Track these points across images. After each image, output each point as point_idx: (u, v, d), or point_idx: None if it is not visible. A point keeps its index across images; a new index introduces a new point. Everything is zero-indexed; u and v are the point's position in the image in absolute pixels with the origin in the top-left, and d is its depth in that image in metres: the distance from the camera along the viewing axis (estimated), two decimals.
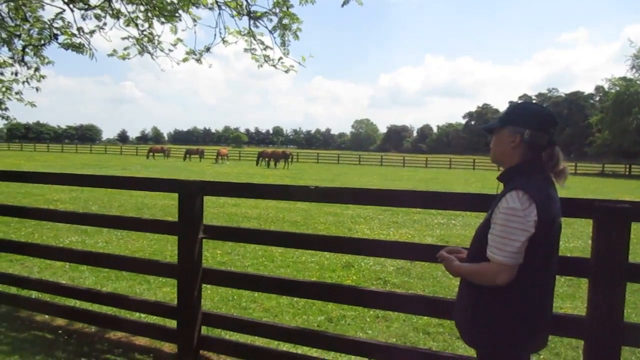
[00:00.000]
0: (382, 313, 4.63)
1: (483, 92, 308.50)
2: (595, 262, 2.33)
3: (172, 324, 3.60)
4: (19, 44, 4.70)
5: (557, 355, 3.86)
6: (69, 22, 4.20)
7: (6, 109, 6.27)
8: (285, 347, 3.64)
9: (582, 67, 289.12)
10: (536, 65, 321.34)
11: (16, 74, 5.45)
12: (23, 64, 5.07)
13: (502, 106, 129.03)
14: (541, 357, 3.79)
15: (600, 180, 32.83)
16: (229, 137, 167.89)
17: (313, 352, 3.45)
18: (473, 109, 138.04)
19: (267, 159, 38.29)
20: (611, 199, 2.41)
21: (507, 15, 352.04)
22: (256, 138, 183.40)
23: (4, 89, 6.12)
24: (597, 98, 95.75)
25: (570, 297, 5.40)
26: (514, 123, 1.94)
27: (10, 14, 4.30)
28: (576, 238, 8.92)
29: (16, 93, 6.14)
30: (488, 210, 2.02)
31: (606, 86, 60.18)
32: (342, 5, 4.24)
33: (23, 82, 5.50)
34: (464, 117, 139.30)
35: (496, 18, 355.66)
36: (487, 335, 1.90)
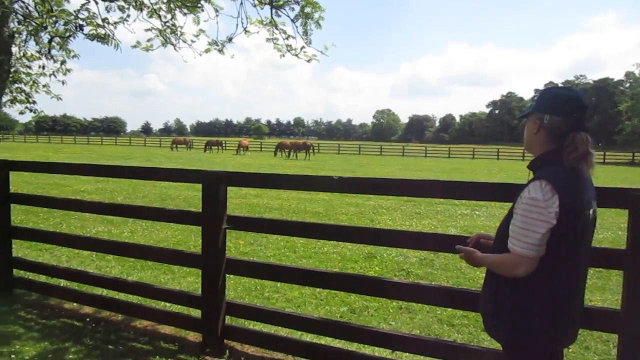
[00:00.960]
0: (406, 304, 4.59)
1: (507, 80, 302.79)
2: (631, 253, 2.24)
3: (196, 313, 3.63)
4: (45, 36, 4.77)
5: (587, 349, 3.78)
6: (94, 13, 4.24)
7: (34, 102, 6.40)
8: (308, 337, 3.64)
9: (611, 51, 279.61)
10: (563, 50, 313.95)
11: (43, 67, 5.55)
12: (50, 57, 5.15)
13: (527, 94, 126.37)
14: (570, 350, 3.71)
15: (630, 170, 31.90)
16: (250, 129, 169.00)
17: (336, 342, 3.44)
18: (497, 97, 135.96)
19: (287, 150, 38.30)
20: None
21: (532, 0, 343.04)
22: (277, 129, 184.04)
23: (31, 83, 6.24)
24: (627, 85, 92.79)
25: (600, 289, 5.27)
26: (538, 109, 1.89)
27: (37, 7, 4.36)
28: (605, 229, 8.69)
29: (43, 86, 6.26)
30: (513, 200, 1.96)
31: (637, 72, 58.38)
32: None
33: (50, 76, 5.59)
34: (487, 105, 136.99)
35: (520, 3, 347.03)
36: (509, 327, 1.86)
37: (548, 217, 1.70)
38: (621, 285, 2.40)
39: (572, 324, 1.88)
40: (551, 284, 1.79)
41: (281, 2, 4.28)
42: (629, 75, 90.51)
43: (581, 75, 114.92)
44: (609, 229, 8.74)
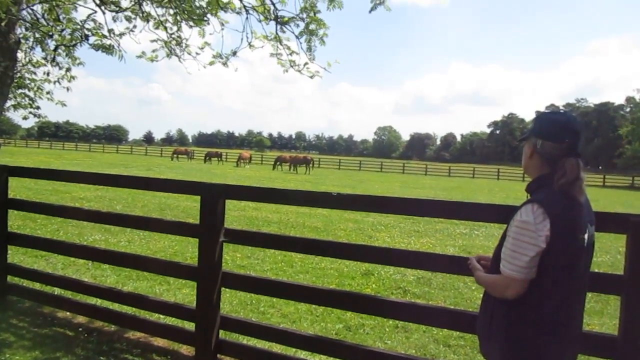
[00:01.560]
0: (402, 323, 4.55)
1: (509, 100, 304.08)
2: (629, 278, 2.23)
3: (190, 326, 3.60)
4: (51, 44, 4.81)
5: None
6: (100, 24, 4.28)
7: (38, 107, 6.43)
8: (302, 354, 3.60)
9: (613, 76, 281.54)
10: (565, 73, 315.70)
11: (48, 74, 5.59)
12: (55, 64, 5.19)
13: (528, 116, 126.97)
14: None
15: (630, 194, 31.89)
16: (252, 141, 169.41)
17: None
18: (498, 117, 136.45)
19: (287, 164, 38.45)
20: None
21: (535, 22, 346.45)
22: (279, 142, 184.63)
23: (35, 88, 6.27)
24: (628, 109, 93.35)
25: (598, 313, 5.23)
26: (533, 133, 1.91)
27: (44, 14, 4.41)
28: (604, 252, 8.66)
29: (47, 92, 6.30)
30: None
31: (637, 97, 58.71)
32: (370, 12, 4.22)
33: (54, 82, 5.63)
34: (489, 125, 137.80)
35: (524, 25, 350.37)
36: (502, 352, 1.85)
37: (538, 240, 1.71)
38: (619, 310, 2.38)
39: (569, 349, 1.85)
40: (544, 307, 1.78)
41: (286, 19, 4.32)
42: (629, 99, 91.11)
43: (582, 99, 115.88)
44: (608, 252, 8.71)
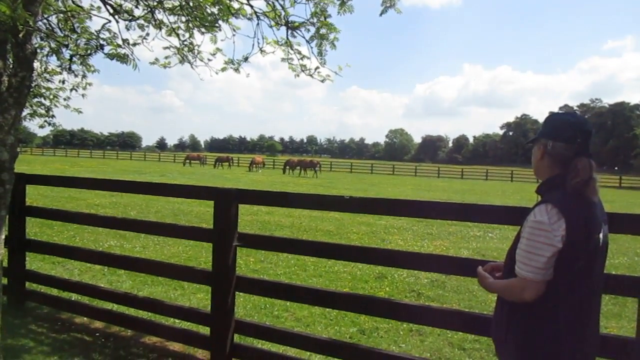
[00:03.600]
0: (416, 327, 4.52)
1: (523, 102, 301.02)
2: None
3: (205, 330, 3.63)
4: (67, 53, 4.89)
5: None
6: (114, 34, 4.35)
7: (53, 116, 6.52)
8: (317, 358, 3.60)
9: (628, 75, 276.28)
10: (579, 74, 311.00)
11: (63, 82, 5.68)
12: (70, 71, 5.28)
13: (541, 117, 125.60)
14: None
15: None
16: (264, 146, 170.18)
17: None
18: (511, 119, 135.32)
19: (297, 168, 38.73)
20: None
21: (549, 23, 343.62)
22: (290, 147, 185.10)
23: (51, 97, 6.37)
24: None
25: (616, 316, 5.15)
26: (543, 135, 1.90)
27: (60, 24, 4.48)
28: (621, 254, 8.52)
29: (64, 99, 6.39)
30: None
31: None
32: (380, 15, 4.22)
33: (70, 90, 5.72)
34: (501, 127, 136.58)
35: (537, 26, 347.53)
36: (518, 354, 1.82)
37: (553, 240, 1.68)
38: (636, 312, 2.34)
39: (587, 352, 1.82)
40: (560, 310, 1.75)
41: (297, 24, 4.34)
42: None
43: (597, 99, 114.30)
44: (625, 254, 8.58)
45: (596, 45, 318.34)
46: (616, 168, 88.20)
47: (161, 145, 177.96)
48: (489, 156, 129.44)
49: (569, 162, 1.80)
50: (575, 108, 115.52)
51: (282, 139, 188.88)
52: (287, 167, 39.37)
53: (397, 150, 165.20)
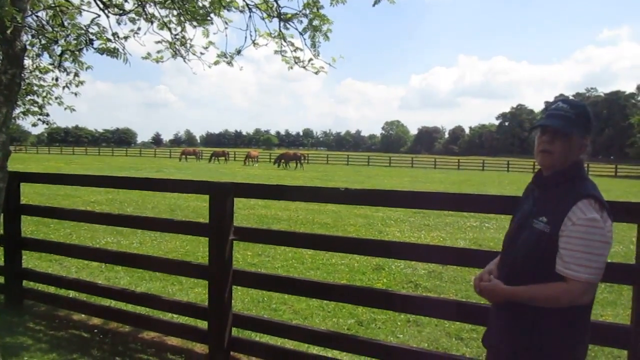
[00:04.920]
0: (414, 317, 4.54)
1: (518, 92, 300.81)
2: None
3: (203, 324, 3.63)
4: (57, 49, 4.85)
5: None
6: (104, 28, 4.31)
7: (47, 114, 6.48)
8: (315, 350, 3.61)
9: (623, 65, 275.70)
10: (575, 64, 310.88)
11: (56, 79, 5.63)
12: (62, 69, 5.24)
13: (537, 107, 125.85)
14: None
15: None
16: (260, 140, 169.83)
17: (343, 355, 3.41)
18: (507, 109, 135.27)
19: (281, 161, 38.90)
20: None
21: (544, 13, 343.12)
22: (286, 140, 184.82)
23: (44, 94, 6.33)
24: (639, 98, 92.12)
25: (612, 304, 5.18)
26: (587, 128, 1.77)
27: (49, 21, 4.45)
28: (617, 242, 8.56)
29: (56, 98, 6.35)
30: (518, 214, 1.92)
31: None
32: (374, 5, 4.19)
33: (63, 88, 5.67)
34: (497, 118, 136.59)
35: (532, 16, 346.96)
36: (553, 356, 1.73)
37: (608, 238, 1.62)
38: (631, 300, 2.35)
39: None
40: (588, 308, 1.73)
41: (289, 15, 4.32)
42: None
43: (592, 88, 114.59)
44: (621, 242, 8.62)
45: (591, 34, 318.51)
46: (612, 157, 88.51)
47: (157, 141, 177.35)
48: (485, 147, 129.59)
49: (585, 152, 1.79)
50: (570, 97, 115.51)
51: (278, 133, 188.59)
52: (282, 161, 39.33)
53: (393, 142, 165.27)
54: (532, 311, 1.72)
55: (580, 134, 1.75)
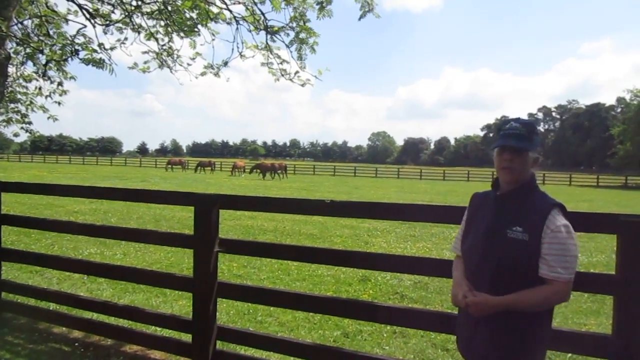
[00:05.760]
0: (400, 329, 4.54)
1: (502, 103, 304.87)
2: (620, 278, 2.25)
3: (187, 337, 3.58)
4: (42, 58, 4.81)
5: None
6: (90, 38, 4.30)
7: (30, 122, 6.41)
8: None
9: (604, 77, 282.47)
10: (557, 76, 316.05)
11: (40, 88, 5.58)
12: (46, 78, 5.19)
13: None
14: None
15: (623, 193, 32.05)
16: (247, 150, 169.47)
17: None
18: (491, 120, 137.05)
19: (256, 171, 38.87)
20: (636, 214, 2.32)
21: (527, 26, 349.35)
22: (273, 150, 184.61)
23: (27, 103, 6.26)
24: (619, 109, 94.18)
25: (595, 313, 5.25)
26: (537, 144, 1.99)
27: (35, 29, 4.41)
28: (599, 252, 8.69)
29: (40, 107, 6.28)
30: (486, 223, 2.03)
31: (628, 97, 59.14)
32: (359, 19, 4.25)
33: (46, 97, 5.62)
34: (482, 129, 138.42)
35: (516, 29, 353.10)
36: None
37: (577, 241, 1.84)
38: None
39: None
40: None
41: (276, 28, 4.35)
42: (620, 100, 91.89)
43: (574, 100, 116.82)
44: (603, 252, 8.74)
45: (573, 47, 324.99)
46: (593, 167, 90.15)
47: (142, 150, 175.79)
48: (470, 157, 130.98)
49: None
50: (552, 109, 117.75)
51: (265, 143, 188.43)
52: (270, 172, 39.24)
53: (380, 152, 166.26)
54: (517, 317, 1.85)
55: (533, 149, 1.95)
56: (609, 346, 2.29)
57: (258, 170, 38.49)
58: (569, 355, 3.84)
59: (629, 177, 45.23)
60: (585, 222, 2.33)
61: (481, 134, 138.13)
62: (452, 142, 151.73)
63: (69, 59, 4.27)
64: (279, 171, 38.48)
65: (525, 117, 2.11)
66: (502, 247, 1.89)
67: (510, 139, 1.95)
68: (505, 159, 1.95)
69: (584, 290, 2.55)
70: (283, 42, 4.38)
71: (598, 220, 2.37)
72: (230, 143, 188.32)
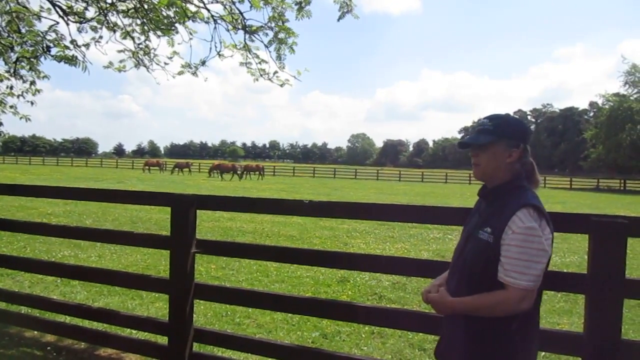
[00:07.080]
0: (378, 329, 4.56)
1: (479, 106, 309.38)
2: (591, 278, 2.30)
3: (163, 340, 3.53)
4: (13, 56, 4.69)
5: None
6: (62, 35, 4.20)
7: (0, 123, 6.23)
8: None
9: (577, 81, 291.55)
10: (532, 79, 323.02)
11: (11, 87, 5.43)
12: (18, 77, 5.06)
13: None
14: None
15: (595, 195, 32.90)
16: (225, 151, 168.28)
17: None
18: (469, 123, 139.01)
19: (217, 172, 38.84)
20: (607, 214, 2.38)
21: (504, 30, 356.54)
22: (252, 152, 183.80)
23: None
24: (591, 113, 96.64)
25: (568, 312, 5.36)
26: (509, 137, 1.83)
27: (6, 26, 4.30)
28: (572, 253, 8.89)
29: (10, 107, 6.12)
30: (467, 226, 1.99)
31: (600, 102, 60.69)
32: (338, 20, 4.27)
33: (18, 96, 5.47)
34: (459, 131, 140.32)
35: (493, 33, 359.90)
36: None
37: (545, 245, 1.66)
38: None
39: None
40: (535, 314, 1.79)
41: (255, 28, 4.33)
42: (592, 104, 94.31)
43: (548, 104, 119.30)
44: (576, 252, 8.94)
45: (548, 51, 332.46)
46: (567, 170, 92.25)
47: (119, 151, 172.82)
48: (448, 159, 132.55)
49: (526, 163, 1.87)
50: (528, 113, 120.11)
51: (244, 144, 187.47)
52: (245, 172, 39.00)
53: (359, 154, 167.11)
54: (480, 320, 1.75)
55: (501, 142, 1.83)
56: (581, 344, 2.34)
57: (217, 171, 38.15)
58: (543, 354, 3.91)
59: (600, 180, 46.57)
60: (558, 222, 2.37)
61: (459, 136, 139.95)
62: (431, 144, 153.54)
63: (41, 56, 4.17)
64: (256, 172, 38.24)
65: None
66: (470, 248, 1.84)
67: (473, 135, 1.91)
68: (471, 155, 1.93)
69: (557, 290, 2.60)
70: (262, 42, 4.37)
71: (571, 220, 2.42)
72: (209, 144, 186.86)
